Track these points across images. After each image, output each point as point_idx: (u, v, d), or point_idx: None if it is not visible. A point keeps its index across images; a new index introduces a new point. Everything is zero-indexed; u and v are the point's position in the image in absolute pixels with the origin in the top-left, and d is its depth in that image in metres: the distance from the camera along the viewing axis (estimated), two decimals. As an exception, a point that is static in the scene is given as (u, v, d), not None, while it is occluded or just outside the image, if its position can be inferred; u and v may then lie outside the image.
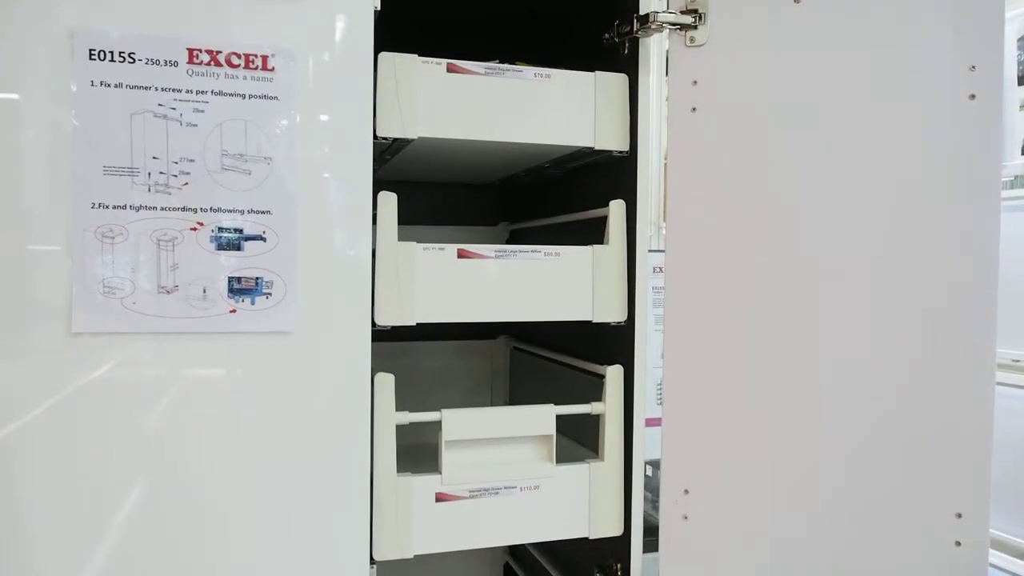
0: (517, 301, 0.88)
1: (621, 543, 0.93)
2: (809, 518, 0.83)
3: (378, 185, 0.82)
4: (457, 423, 0.88)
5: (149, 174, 0.74)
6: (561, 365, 1.09)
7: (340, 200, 0.79)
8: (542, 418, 0.91)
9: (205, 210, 0.75)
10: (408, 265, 0.85)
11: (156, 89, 0.74)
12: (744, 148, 0.85)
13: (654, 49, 0.92)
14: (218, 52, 0.75)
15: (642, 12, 0.89)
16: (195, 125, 0.75)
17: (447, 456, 0.88)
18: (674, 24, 0.87)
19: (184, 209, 0.75)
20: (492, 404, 1.36)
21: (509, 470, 0.89)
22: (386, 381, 0.84)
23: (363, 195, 0.80)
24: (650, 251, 0.94)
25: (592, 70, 0.91)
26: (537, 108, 0.89)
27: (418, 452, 0.94)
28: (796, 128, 0.83)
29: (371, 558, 0.81)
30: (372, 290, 0.82)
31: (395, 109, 0.83)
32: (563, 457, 0.93)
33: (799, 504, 0.84)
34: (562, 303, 0.90)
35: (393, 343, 1.26)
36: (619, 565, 0.93)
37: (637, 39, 0.91)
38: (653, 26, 0.88)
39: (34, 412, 0.72)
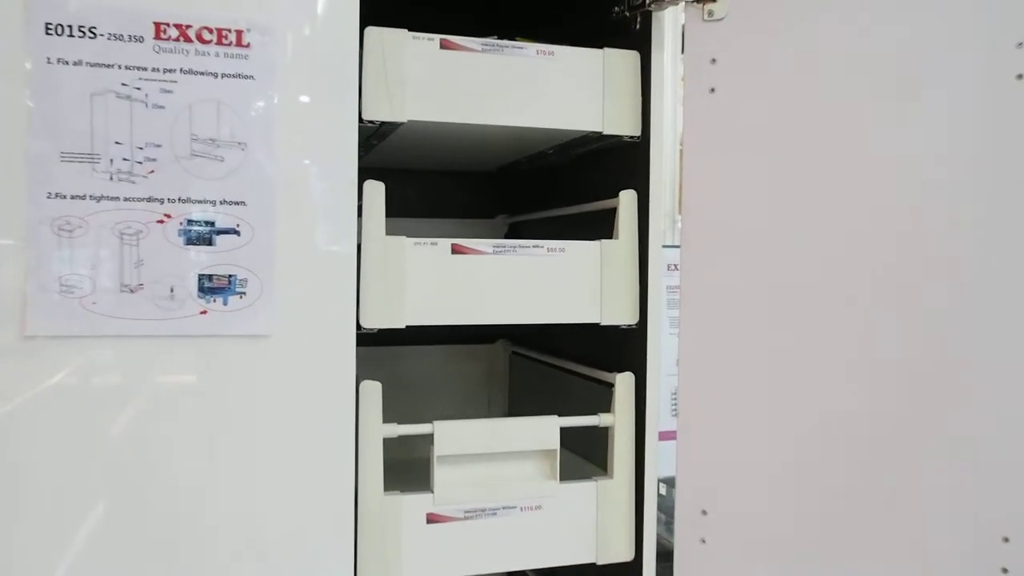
0: (517, 301, 0.89)
1: (632, 569, 0.93)
2: (839, 542, 0.84)
3: (364, 173, 0.83)
4: (450, 436, 0.88)
5: (111, 161, 0.74)
6: (566, 372, 1.09)
7: (322, 190, 0.80)
8: (545, 431, 0.91)
9: (173, 201, 0.76)
10: (397, 262, 0.85)
11: (119, 67, 0.74)
12: (768, 133, 0.85)
13: (668, 24, 0.92)
14: (188, 26, 0.75)
15: (655, -18, 0.91)
16: (162, 107, 0.75)
17: (440, 473, 0.88)
18: (691, -5, 0.87)
19: (150, 200, 0.75)
20: (489, 415, 1.36)
21: (508, 489, 0.89)
22: (372, 390, 0.85)
23: (348, 185, 0.80)
24: (664, 246, 0.94)
25: (600, 47, 0.92)
26: (539, 89, 0.89)
27: (408, 468, 0.94)
28: (824, 111, 0.83)
29: (355, 585, 0.83)
30: (357, 290, 0.82)
31: (383, 90, 0.84)
32: (568, 474, 0.93)
33: (829, 527, 0.84)
34: (567, 304, 0.90)
35: (380, 348, 1.26)
36: (630, 594, 0.94)
37: (650, 12, 0.91)
38: (667, -2, 0.88)
39: (-16, 423, 0.72)
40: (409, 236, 0.86)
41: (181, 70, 0.76)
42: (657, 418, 0.93)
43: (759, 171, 0.86)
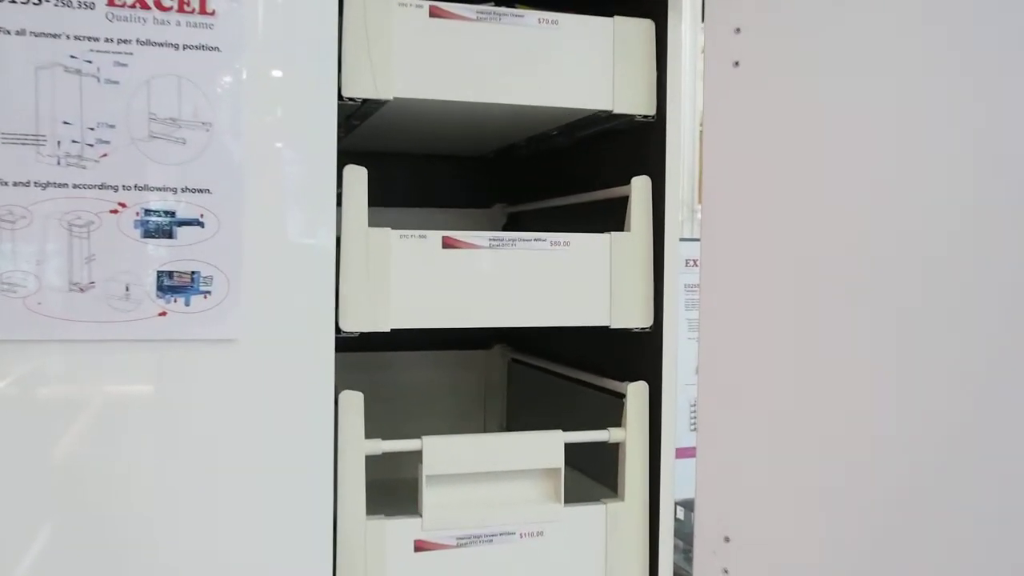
0: (517, 301, 0.89)
1: (645, 603, 0.94)
2: (873, 572, 0.83)
3: (344, 158, 0.83)
4: (442, 453, 0.88)
5: (59, 143, 0.74)
6: (571, 381, 1.10)
7: (297, 176, 0.80)
8: (548, 447, 0.91)
9: (129, 188, 0.76)
10: (381, 257, 0.85)
11: (68, 37, 0.74)
12: (798, 111, 0.85)
13: (687, -12, 0.94)
14: (145, -9, 0.76)
15: (672, -58, 0.92)
16: (116, 82, 0.75)
17: (429, 495, 0.88)
18: (712, -43, 0.87)
19: (102, 187, 0.75)
20: (485, 429, 1.37)
21: (506, 512, 0.89)
22: (353, 401, 0.85)
23: (326, 170, 0.81)
24: (681, 240, 0.95)
25: (610, 15, 0.92)
26: (542, 62, 0.89)
27: (394, 490, 0.94)
28: (862, 86, 0.82)
29: (334, 621, 0.83)
30: (336, 288, 0.83)
31: (365, 63, 0.84)
32: (574, 496, 0.93)
33: (862, 555, 0.84)
34: (573, 304, 0.91)
35: (363, 354, 1.27)
36: (643, 630, 0.94)
37: (666, -24, 0.93)
38: (686, -40, 0.89)
39: (-85, 439, 0.72)
40: (395, 228, 0.86)
41: (138, 41, 0.75)
42: (674, 433, 0.93)
43: (789, 154, 0.85)
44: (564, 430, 0.92)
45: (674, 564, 0.94)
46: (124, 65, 0.75)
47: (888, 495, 0.82)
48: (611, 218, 0.97)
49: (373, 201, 0.86)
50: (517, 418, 1.33)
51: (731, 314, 0.87)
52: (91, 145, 0.75)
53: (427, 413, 1.34)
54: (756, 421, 0.87)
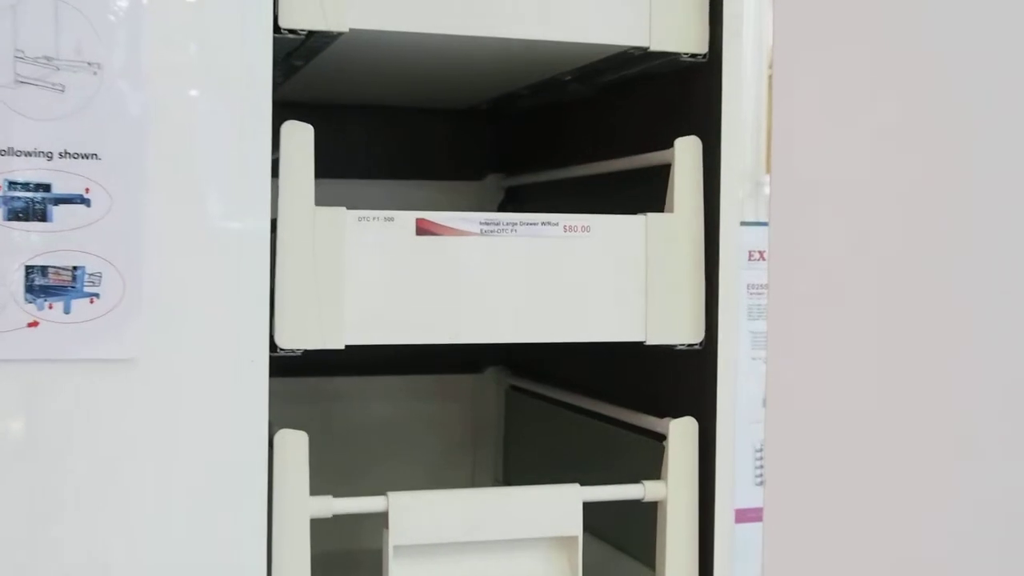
0: (518, 309, 0.89)
1: None
2: None
3: (283, 111, 0.83)
4: (415, 516, 0.88)
5: None
6: (591, 417, 1.10)
7: (218, 137, 0.80)
8: (560, 507, 0.91)
9: (-16, 152, 0.76)
10: (333, 247, 0.85)
11: None
12: (904, 47, 0.84)
13: None
14: None
15: None
16: (-35, 7, 0.75)
17: (399, 571, 0.88)
18: None
19: (-53, 151, 0.75)
20: (475, 482, 1.37)
21: (504, 596, 0.90)
22: (294, 444, 0.85)
23: (257, 129, 0.81)
24: (743, 224, 0.94)
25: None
26: (551, -19, 0.90)
27: (351, 566, 0.96)
28: (986, 13, 0.81)
29: None
30: (272, 290, 0.83)
31: (311, -18, 0.84)
32: (596, 574, 0.93)
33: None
34: (594, 313, 0.91)
35: (309, 379, 1.27)
36: None
37: None
38: None
39: None
40: (352, 207, 0.86)
41: (-4, -51, 0.76)
42: (732, 488, 0.93)
43: (892, 108, 0.84)
44: (582, 483, 0.92)
45: (733, 667, 0.93)
46: (-22, -17, 0.75)
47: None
48: (646, 194, 0.97)
49: (322, 171, 0.86)
50: (518, 467, 1.33)
51: (812, 325, 0.87)
52: (-70, 93, 0.75)
53: (396, 460, 1.33)
54: (847, 473, 0.86)
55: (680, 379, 0.97)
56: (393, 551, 0.87)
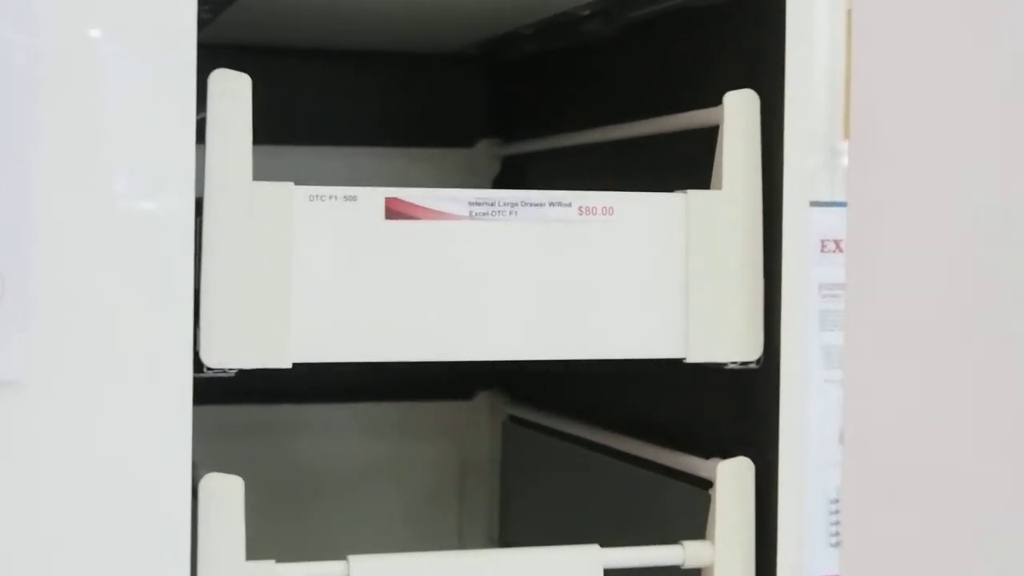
0: (518, 316, 0.90)
1: None
2: None
3: (212, 57, 0.84)
4: None
5: None
6: (612, 456, 1.11)
7: (125, 88, 0.82)
8: (574, 575, 0.91)
9: None
10: (277, 234, 0.85)
11: None
12: None
13: None
14: None
15: None
16: None
17: None
18: None
19: None
20: (461, 542, 1.38)
21: None
22: (225, 491, 0.85)
23: (178, 78, 0.82)
24: (813, 204, 0.94)
25: None
26: None
27: None
28: None
29: None
30: (196, 292, 0.83)
31: None
32: None
33: None
34: (618, 321, 0.91)
35: (246, 407, 1.28)
36: None
37: None
38: None
39: None
40: (301, 183, 0.86)
41: None
42: (799, 548, 0.92)
43: (1006, 54, 0.82)
44: (602, 544, 0.92)
45: None
46: None
47: None
48: (686, 166, 0.97)
49: (263, 135, 0.87)
50: (518, 521, 1.34)
51: (904, 337, 0.85)
52: None
53: (361, 512, 1.35)
54: (947, 532, 0.85)
55: (731, 408, 0.98)
56: (357, 633, 0.88)
